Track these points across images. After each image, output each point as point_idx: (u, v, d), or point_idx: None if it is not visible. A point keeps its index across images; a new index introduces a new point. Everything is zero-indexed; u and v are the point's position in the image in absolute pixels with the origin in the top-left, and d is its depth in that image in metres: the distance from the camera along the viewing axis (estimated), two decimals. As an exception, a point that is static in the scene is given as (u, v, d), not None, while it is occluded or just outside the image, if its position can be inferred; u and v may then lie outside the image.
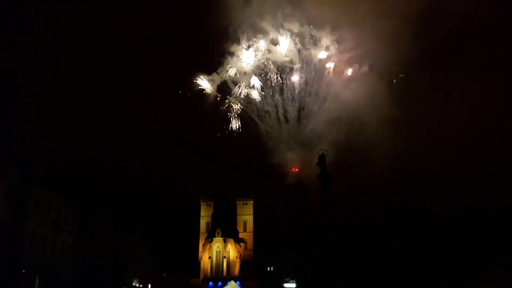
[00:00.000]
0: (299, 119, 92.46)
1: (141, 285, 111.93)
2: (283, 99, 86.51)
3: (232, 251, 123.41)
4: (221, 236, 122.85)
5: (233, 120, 77.05)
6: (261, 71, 76.97)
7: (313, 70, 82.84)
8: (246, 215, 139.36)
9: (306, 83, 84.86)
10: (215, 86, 76.26)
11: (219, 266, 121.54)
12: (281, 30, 72.23)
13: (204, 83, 74.04)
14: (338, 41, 75.21)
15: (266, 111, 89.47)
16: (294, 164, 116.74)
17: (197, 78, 73.89)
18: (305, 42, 75.19)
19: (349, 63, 78.84)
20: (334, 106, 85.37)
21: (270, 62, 77.05)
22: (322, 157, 38.32)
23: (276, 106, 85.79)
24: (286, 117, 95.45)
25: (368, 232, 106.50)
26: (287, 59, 77.46)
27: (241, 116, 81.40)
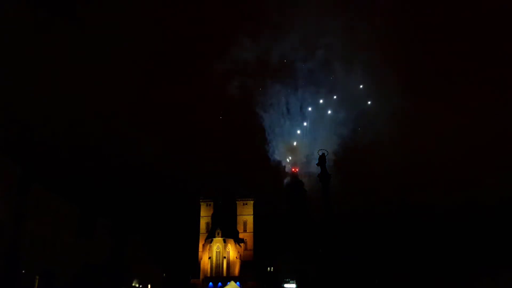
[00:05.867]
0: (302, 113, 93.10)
1: (141, 285, 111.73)
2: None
3: (232, 251, 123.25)
4: (221, 236, 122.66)
5: None
6: None
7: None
8: (246, 215, 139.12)
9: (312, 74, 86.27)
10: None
11: (219, 266, 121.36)
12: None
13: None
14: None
15: (271, 104, 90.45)
16: (294, 164, 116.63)
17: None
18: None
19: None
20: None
21: None
22: (322, 157, 38.27)
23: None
24: (288, 110, 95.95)
25: (369, 231, 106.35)
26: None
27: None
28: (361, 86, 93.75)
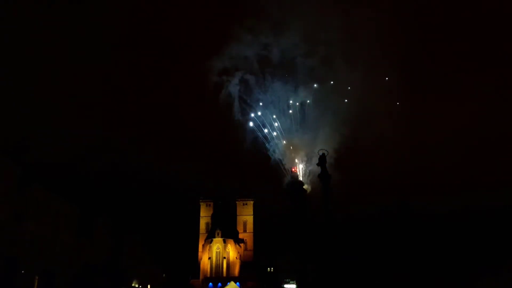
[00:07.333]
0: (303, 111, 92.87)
1: (140, 286, 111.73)
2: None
3: (232, 251, 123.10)
4: (221, 237, 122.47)
5: None
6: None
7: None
8: (246, 216, 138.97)
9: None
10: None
11: (218, 266, 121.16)
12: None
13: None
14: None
15: (271, 102, 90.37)
16: (294, 163, 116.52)
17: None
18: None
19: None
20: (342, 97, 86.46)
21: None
22: (322, 157, 38.34)
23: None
24: (289, 107, 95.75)
25: (369, 231, 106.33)
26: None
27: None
28: (386, 78, 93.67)
